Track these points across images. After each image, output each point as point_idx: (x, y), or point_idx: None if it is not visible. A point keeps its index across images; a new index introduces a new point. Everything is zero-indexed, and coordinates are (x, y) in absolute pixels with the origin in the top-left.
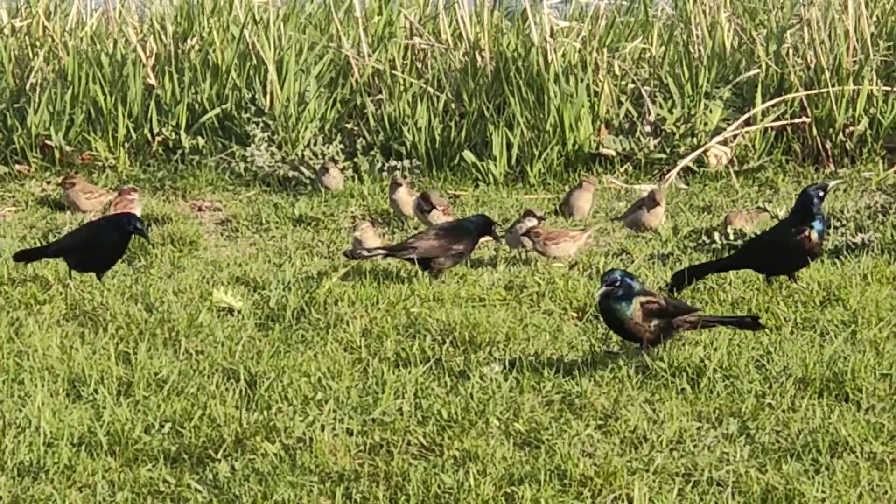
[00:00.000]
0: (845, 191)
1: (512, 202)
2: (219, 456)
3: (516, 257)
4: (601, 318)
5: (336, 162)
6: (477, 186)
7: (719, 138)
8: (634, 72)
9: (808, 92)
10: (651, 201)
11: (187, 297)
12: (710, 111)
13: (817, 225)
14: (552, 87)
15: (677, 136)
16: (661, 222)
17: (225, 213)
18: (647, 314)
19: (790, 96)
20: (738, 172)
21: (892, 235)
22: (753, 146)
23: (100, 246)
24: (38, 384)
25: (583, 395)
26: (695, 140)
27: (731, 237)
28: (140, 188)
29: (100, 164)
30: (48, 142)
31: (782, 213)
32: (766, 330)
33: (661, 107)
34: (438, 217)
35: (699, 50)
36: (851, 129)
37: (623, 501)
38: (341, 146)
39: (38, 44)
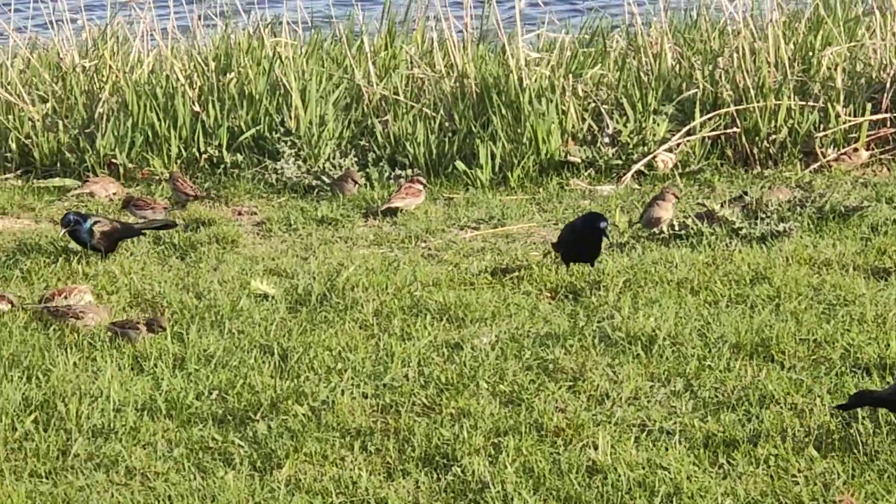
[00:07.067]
0: (770, 187)
1: (496, 202)
2: (257, 417)
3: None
4: None
5: (351, 176)
6: (467, 190)
7: (665, 146)
8: (595, 93)
9: (738, 107)
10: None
11: (230, 286)
12: (658, 124)
13: None
14: (527, 107)
15: (631, 146)
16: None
17: (260, 216)
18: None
19: (723, 111)
20: (682, 174)
21: (808, 224)
22: (694, 152)
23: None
24: (108, 360)
25: (555, 362)
26: (645, 148)
27: (677, 227)
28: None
29: (157, 178)
30: (114, 160)
31: (717, 205)
32: (707, 304)
33: (617, 122)
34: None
35: (648, 74)
36: (774, 136)
37: (590, 448)
38: (355, 159)
39: (104, 80)
